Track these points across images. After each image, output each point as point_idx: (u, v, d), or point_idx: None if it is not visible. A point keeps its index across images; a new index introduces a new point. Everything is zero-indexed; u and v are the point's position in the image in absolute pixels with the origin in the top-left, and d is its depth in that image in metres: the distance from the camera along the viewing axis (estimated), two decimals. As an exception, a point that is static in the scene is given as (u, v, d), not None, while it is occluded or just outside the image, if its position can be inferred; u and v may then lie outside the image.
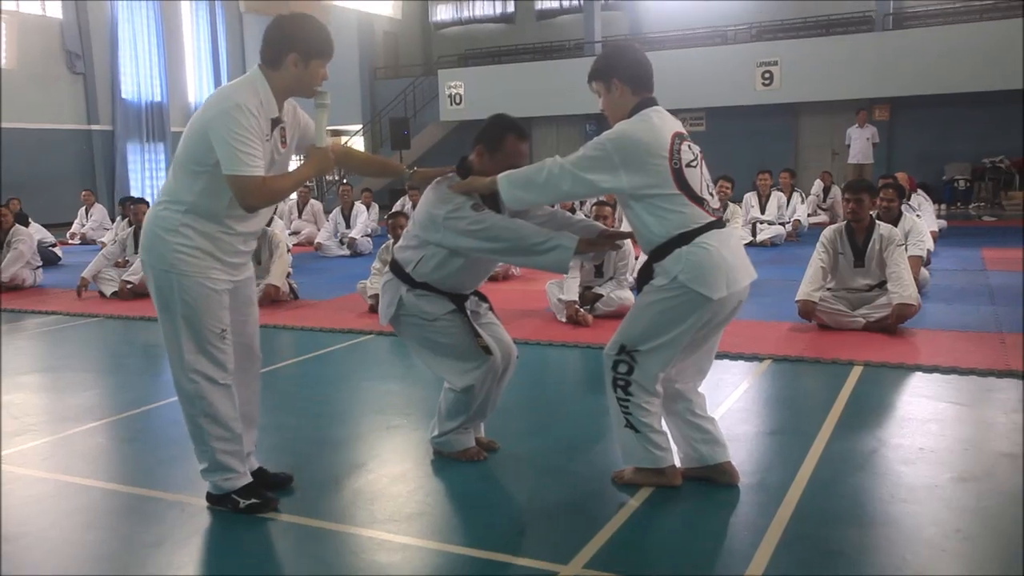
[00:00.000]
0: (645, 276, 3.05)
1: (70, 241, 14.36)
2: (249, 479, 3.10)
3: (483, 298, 3.59)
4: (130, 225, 9.15)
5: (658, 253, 2.96)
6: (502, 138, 3.24)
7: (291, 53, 2.90)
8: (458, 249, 3.21)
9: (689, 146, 3.01)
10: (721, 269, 2.90)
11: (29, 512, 3.18)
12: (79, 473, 3.58)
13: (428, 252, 3.28)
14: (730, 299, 2.96)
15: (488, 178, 3.13)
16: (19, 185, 16.95)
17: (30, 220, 11.83)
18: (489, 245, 3.15)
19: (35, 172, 18.74)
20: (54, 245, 12.08)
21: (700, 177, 2.99)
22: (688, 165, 2.95)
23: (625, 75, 3.03)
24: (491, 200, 3.22)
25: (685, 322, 2.94)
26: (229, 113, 2.81)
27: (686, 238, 2.91)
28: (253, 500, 3.06)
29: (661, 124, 2.98)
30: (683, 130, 3.06)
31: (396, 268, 3.39)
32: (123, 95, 20.35)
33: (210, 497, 3.11)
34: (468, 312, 3.41)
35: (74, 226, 15.02)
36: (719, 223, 3.00)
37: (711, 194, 3.03)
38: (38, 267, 9.59)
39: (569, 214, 3.55)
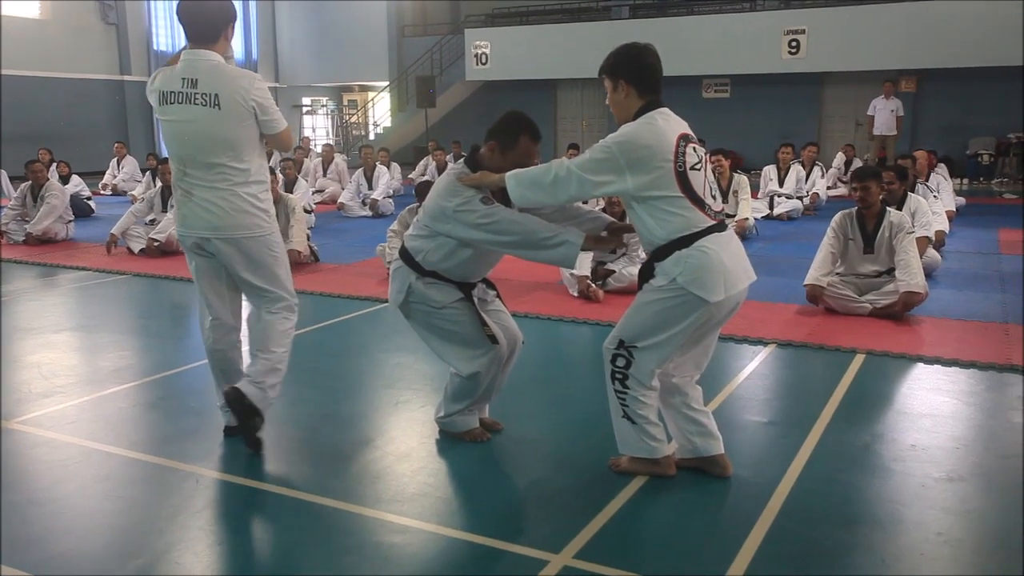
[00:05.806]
0: (646, 274, 3.14)
1: (102, 192, 14.60)
2: None
3: (491, 285, 3.69)
4: (157, 183, 9.33)
5: (659, 254, 3.04)
6: (517, 139, 3.30)
7: (228, 25, 3.39)
8: (467, 241, 3.31)
9: (694, 148, 3.05)
10: (719, 273, 2.98)
11: (55, 477, 3.36)
12: (103, 439, 3.75)
13: (438, 242, 3.37)
14: (727, 301, 3.04)
15: (498, 175, 3.21)
16: (52, 135, 17.17)
17: (72, 174, 12.07)
18: (497, 238, 3.24)
19: (68, 122, 18.96)
20: (89, 197, 12.31)
21: (704, 180, 3.05)
22: (692, 168, 3.00)
23: (632, 77, 3.07)
24: (501, 193, 3.27)
25: (682, 322, 3.03)
26: (259, 86, 3.39)
27: (686, 241, 2.98)
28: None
29: (666, 126, 3.02)
30: (689, 131, 3.10)
31: (406, 256, 3.49)
32: (157, 47, 20.44)
33: (231, 429, 3.66)
34: (475, 300, 3.52)
35: (106, 177, 15.28)
36: (720, 226, 3.06)
37: (713, 197, 3.10)
38: (70, 221, 9.82)
39: (580, 205, 3.62)
